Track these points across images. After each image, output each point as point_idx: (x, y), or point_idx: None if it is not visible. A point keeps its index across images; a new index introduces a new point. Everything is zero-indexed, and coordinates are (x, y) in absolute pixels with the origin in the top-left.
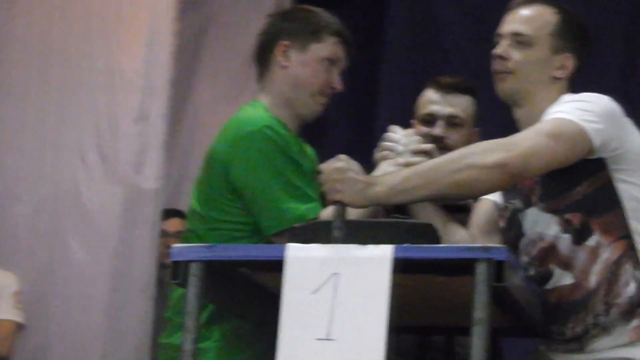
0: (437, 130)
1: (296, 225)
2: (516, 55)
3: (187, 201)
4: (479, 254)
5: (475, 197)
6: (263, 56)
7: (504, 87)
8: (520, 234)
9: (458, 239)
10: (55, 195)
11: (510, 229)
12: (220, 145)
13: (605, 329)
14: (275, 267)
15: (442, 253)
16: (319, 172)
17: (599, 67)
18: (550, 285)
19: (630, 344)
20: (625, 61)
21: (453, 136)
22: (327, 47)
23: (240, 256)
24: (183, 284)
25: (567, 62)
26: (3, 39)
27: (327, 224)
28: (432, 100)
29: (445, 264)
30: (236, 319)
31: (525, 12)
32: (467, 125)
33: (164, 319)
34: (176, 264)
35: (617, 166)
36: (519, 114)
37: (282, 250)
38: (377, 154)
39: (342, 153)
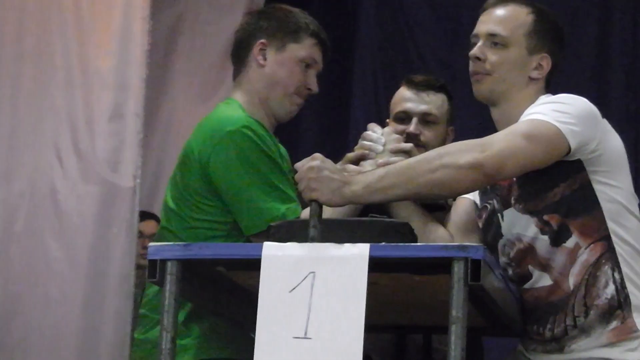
0: (412, 127)
1: (272, 224)
2: (492, 56)
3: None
4: (455, 252)
5: (451, 197)
6: (240, 54)
7: (481, 88)
8: (498, 234)
9: (437, 237)
10: (31, 194)
11: (488, 229)
12: (197, 144)
13: (584, 330)
14: (252, 265)
15: (418, 252)
16: (294, 171)
17: (572, 66)
18: (528, 286)
19: (609, 344)
20: (597, 61)
21: (427, 134)
22: (305, 48)
23: (217, 255)
24: (160, 283)
25: (544, 62)
26: None
27: (304, 223)
28: (406, 98)
29: (422, 263)
30: (214, 317)
31: (500, 12)
32: (441, 123)
33: (138, 314)
34: (153, 262)
35: (594, 168)
36: (496, 114)
37: (258, 249)
38: (356, 153)
39: (316, 152)
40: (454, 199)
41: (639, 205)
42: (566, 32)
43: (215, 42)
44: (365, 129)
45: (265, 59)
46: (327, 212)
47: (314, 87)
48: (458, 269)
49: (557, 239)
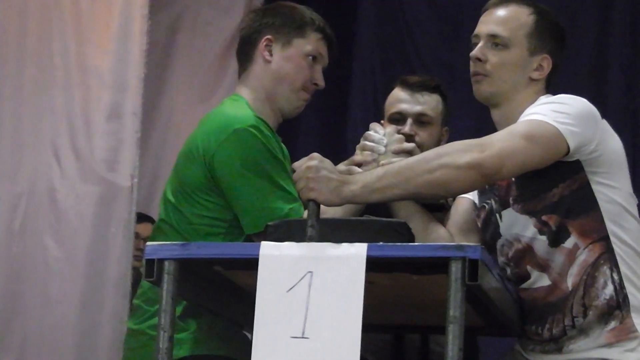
0: (407, 128)
1: (270, 223)
2: (493, 57)
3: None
4: (453, 252)
5: (450, 197)
6: (246, 51)
7: (482, 89)
8: (496, 234)
9: (437, 237)
10: (30, 194)
11: (486, 229)
12: (202, 140)
13: (582, 331)
14: (250, 265)
15: (416, 252)
16: (293, 171)
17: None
18: (526, 286)
19: (608, 345)
20: (596, 61)
21: (422, 134)
22: (310, 43)
23: (215, 254)
24: (157, 282)
25: (544, 63)
26: None
27: (301, 223)
28: (400, 99)
29: (420, 263)
30: (211, 315)
31: (501, 12)
32: (436, 124)
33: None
34: (150, 261)
35: (593, 169)
36: (496, 115)
37: (256, 249)
38: (358, 154)
39: (314, 152)
40: (454, 199)
41: (637, 205)
42: (565, 33)
43: (214, 41)
44: (364, 129)
45: (271, 55)
46: (329, 213)
47: (321, 82)
48: (456, 269)
49: (556, 239)
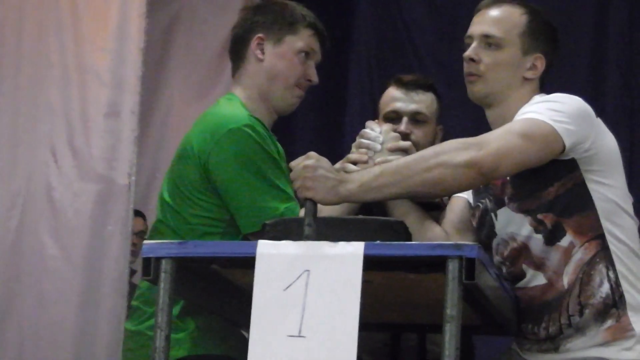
0: (402, 127)
1: (267, 222)
2: (486, 57)
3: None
4: (450, 251)
5: (446, 196)
6: (238, 50)
7: (476, 90)
8: (492, 233)
9: (433, 235)
10: (27, 192)
11: (482, 228)
12: (197, 139)
13: (579, 330)
14: (247, 264)
15: (413, 250)
16: (289, 170)
17: (568, 65)
18: (522, 285)
19: (605, 344)
20: (593, 60)
21: (417, 133)
22: (302, 39)
23: (212, 253)
24: (154, 281)
25: (538, 63)
26: None
27: (298, 221)
28: (395, 98)
29: (417, 262)
30: (209, 314)
31: (494, 13)
32: (430, 122)
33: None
34: (147, 260)
35: (589, 167)
36: (491, 115)
37: (253, 247)
38: (354, 152)
39: (311, 151)
40: (450, 198)
41: (633, 204)
42: (562, 31)
43: (212, 40)
44: (361, 128)
45: (263, 53)
46: (325, 211)
47: (314, 78)
48: (452, 268)
49: (552, 238)
